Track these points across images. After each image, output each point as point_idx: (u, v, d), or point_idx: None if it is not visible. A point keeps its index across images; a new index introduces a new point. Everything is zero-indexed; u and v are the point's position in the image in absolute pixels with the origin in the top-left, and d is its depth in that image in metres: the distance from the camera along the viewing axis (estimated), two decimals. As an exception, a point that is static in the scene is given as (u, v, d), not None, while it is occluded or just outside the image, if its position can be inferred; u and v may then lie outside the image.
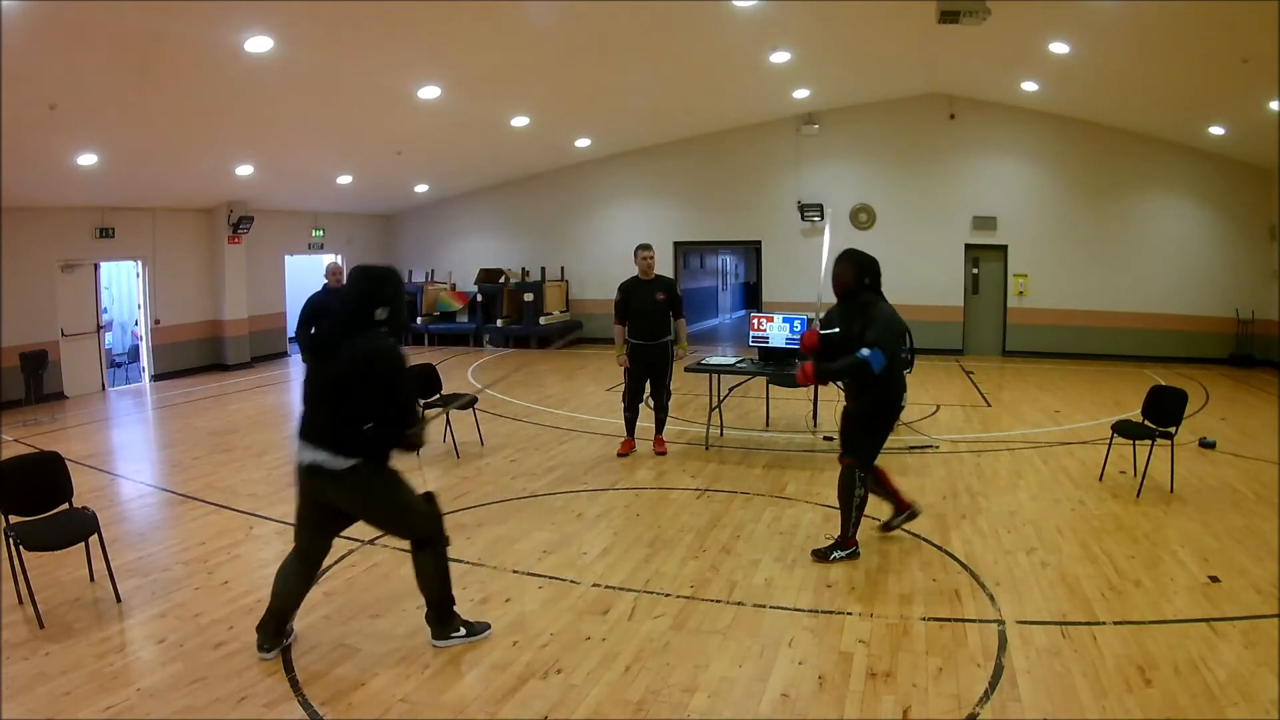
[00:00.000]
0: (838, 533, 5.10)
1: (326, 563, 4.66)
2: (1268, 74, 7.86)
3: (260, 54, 6.97)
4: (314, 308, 7.37)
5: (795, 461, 7.03)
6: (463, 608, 4.15)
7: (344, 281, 6.71)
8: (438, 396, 7.46)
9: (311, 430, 3.50)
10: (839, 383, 5.20)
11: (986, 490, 6.16)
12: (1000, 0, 7.33)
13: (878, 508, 5.11)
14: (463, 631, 3.81)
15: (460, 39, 7.90)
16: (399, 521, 3.70)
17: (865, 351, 4.39)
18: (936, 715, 3.17)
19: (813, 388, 8.41)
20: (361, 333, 3.47)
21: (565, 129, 13.02)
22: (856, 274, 4.62)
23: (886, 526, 5.13)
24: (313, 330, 7.15)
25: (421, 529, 3.67)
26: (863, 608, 4.13)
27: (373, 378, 3.40)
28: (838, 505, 4.93)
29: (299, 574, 3.69)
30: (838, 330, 4.64)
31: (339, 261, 8.19)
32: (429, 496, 3.73)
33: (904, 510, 5.08)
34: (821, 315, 4.91)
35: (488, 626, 3.90)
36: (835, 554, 4.76)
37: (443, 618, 3.78)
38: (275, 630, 3.69)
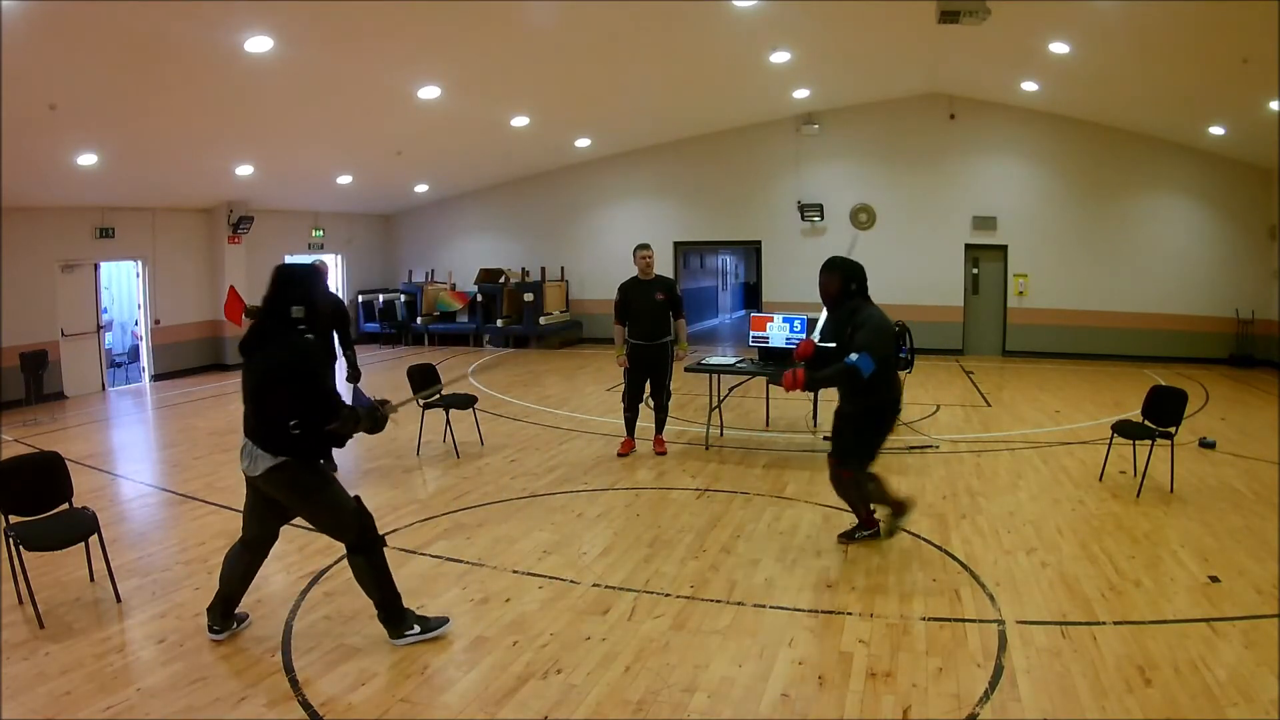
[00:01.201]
0: (837, 533, 5.12)
1: (326, 563, 4.71)
2: (1268, 74, 7.86)
3: (260, 54, 6.97)
4: None
5: (795, 461, 7.03)
6: (463, 608, 4.17)
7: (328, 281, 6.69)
8: (438, 397, 7.44)
9: (247, 428, 3.65)
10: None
11: (986, 490, 6.16)
12: (1000, 0, 7.33)
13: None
14: (416, 629, 3.82)
15: (460, 39, 7.91)
16: (327, 521, 3.75)
17: (854, 356, 4.38)
18: (936, 715, 3.17)
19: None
20: (278, 333, 3.57)
21: (565, 129, 13.02)
22: (842, 280, 4.64)
23: (846, 537, 5.02)
24: None
25: (345, 534, 3.72)
26: (863, 608, 4.13)
27: (285, 379, 3.50)
28: (842, 504, 4.95)
29: (244, 560, 3.83)
30: (834, 345, 4.63)
31: (323, 260, 7.75)
32: (358, 501, 3.76)
33: (871, 526, 5.00)
34: (815, 333, 4.93)
35: (446, 621, 3.91)
36: (859, 534, 4.98)
37: (392, 618, 3.80)
38: (223, 613, 3.84)
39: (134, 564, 4.76)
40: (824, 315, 4.87)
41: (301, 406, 3.53)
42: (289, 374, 3.50)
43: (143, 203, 11.55)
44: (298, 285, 3.62)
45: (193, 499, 6.10)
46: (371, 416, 3.67)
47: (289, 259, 14.34)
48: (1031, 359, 13.13)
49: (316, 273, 3.78)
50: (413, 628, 3.82)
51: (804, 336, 7.27)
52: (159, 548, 5.07)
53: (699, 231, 15.17)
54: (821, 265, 4.76)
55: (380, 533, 3.83)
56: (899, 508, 4.78)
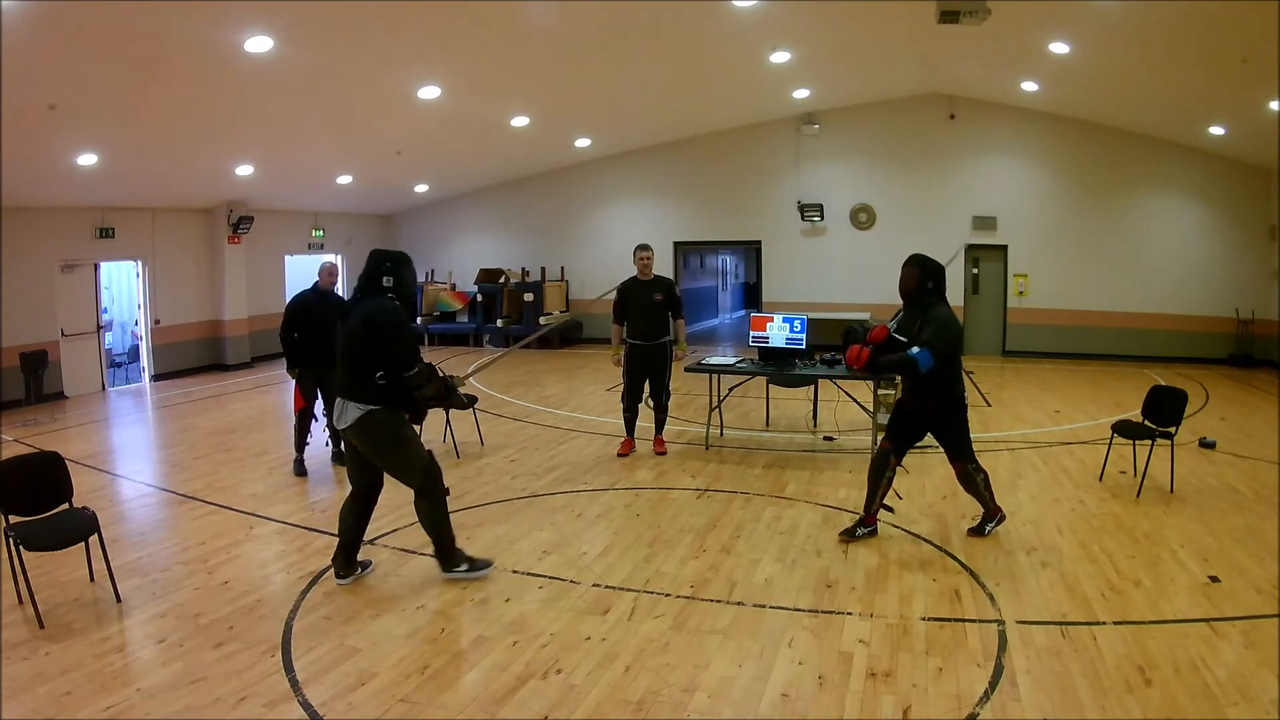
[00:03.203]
0: (836, 532, 5.13)
1: (326, 563, 4.71)
2: (1268, 74, 7.86)
3: (260, 54, 6.97)
4: (300, 309, 6.59)
5: (795, 461, 7.03)
6: (462, 607, 4.18)
7: (336, 284, 6.80)
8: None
9: (340, 386, 4.31)
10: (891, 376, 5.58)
11: (986, 490, 6.16)
12: (1000, 0, 7.33)
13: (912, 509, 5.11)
14: (464, 566, 4.43)
15: (460, 39, 7.90)
16: (399, 467, 4.30)
17: (915, 350, 4.55)
18: (936, 715, 3.17)
19: (813, 388, 8.42)
20: (369, 298, 4.25)
21: (565, 129, 13.02)
22: (920, 277, 4.80)
23: (847, 534, 5.08)
24: (296, 335, 6.53)
25: (417, 481, 4.26)
26: (863, 608, 4.13)
27: (377, 331, 4.13)
28: (843, 504, 4.96)
29: (354, 511, 4.43)
30: (904, 339, 4.74)
31: (336, 262, 7.59)
32: (431, 455, 4.33)
33: (870, 525, 5.10)
34: (892, 321, 5.03)
35: (490, 564, 4.54)
36: (860, 531, 5.07)
37: (444, 555, 4.41)
38: (345, 561, 4.47)
39: (134, 564, 4.76)
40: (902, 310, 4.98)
41: (387, 359, 4.14)
42: (376, 329, 4.13)
43: (143, 203, 11.55)
44: (388, 260, 4.36)
45: (193, 499, 6.10)
46: (445, 383, 4.34)
47: (288, 259, 14.38)
48: (1031, 359, 13.13)
49: (406, 256, 4.50)
50: (461, 565, 4.42)
51: (803, 336, 7.29)
52: (159, 548, 5.07)
53: (699, 231, 15.17)
54: (905, 260, 4.90)
55: (446, 487, 4.39)
56: (870, 520, 5.09)
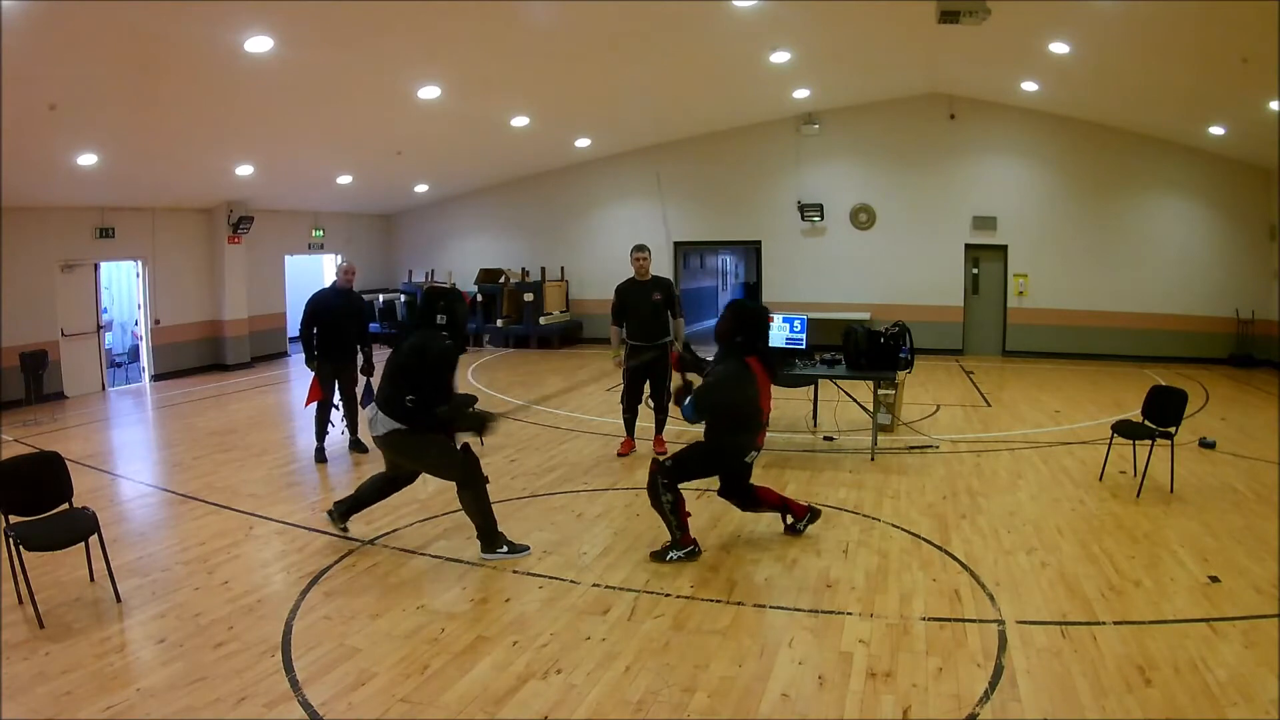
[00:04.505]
0: (835, 532, 5.13)
1: (326, 563, 4.71)
2: (1268, 74, 7.86)
3: (260, 54, 6.97)
4: (319, 306, 7.10)
5: (795, 461, 7.03)
6: (462, 607, 4.18)
7: (353, 283, 7.32)
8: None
9: (377, 399, 4.73)
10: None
11: (986, 490, 6.16)
12: (1000, 0, 7.33)
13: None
14: (505, 549, 4.76)
15: (460, 39, 7.90)
16: (434, 469, 4.83)
17: (688, 400, 4.66)
18: (936, 715, 3.17)
19: (813, 388, 8.42)
20: (424, 330, 4.71)
21: (565, 129, 13.02)
22: (731, 328, 4.81)
23: (792, 530, 5.17)
24: (315, 331, 7.01)
25: (456, 475, 4.70)
26: (863, 608, 4.13)
27: (420, 363, 4.55)
28: (842, 504, 4.94)
29: (380, 482, 4.98)
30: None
31: (352, 262, 7.85)
32: (466, 448, 4.78)
33: (803, 515, 5.15)
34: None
35: (527, 549, 4.84)
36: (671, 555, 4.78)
37: (486, 539, 4.76)
38: (347, 509, 5.03)
39: (134, 564, 4.76)
40: None
41: (422, 389, 4.53)
42: (420, 360, 4.54)
43: (143, 203, 11.54)
44: (443, 298, 4.79)
45: (193, 499, 6.10)
46: (479, 417, 4.71)
47: (288, 259, 14.38)
48: (1031, 359, 13.13)
49: (459, 294, 4.99)
50: (502, 547, 4.76)
51: (804, 336, 7.29)
52: (159, 548, 5.07)
53: (699, 231, 15.17)
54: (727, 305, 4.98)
55: (484, 475, 4.79)
56: (800, 512, 5.16)
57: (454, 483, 4.75)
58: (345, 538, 5.09)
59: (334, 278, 7.43)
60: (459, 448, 4.75)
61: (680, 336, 7.24)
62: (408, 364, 4.56)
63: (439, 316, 4.73)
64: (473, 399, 4.95)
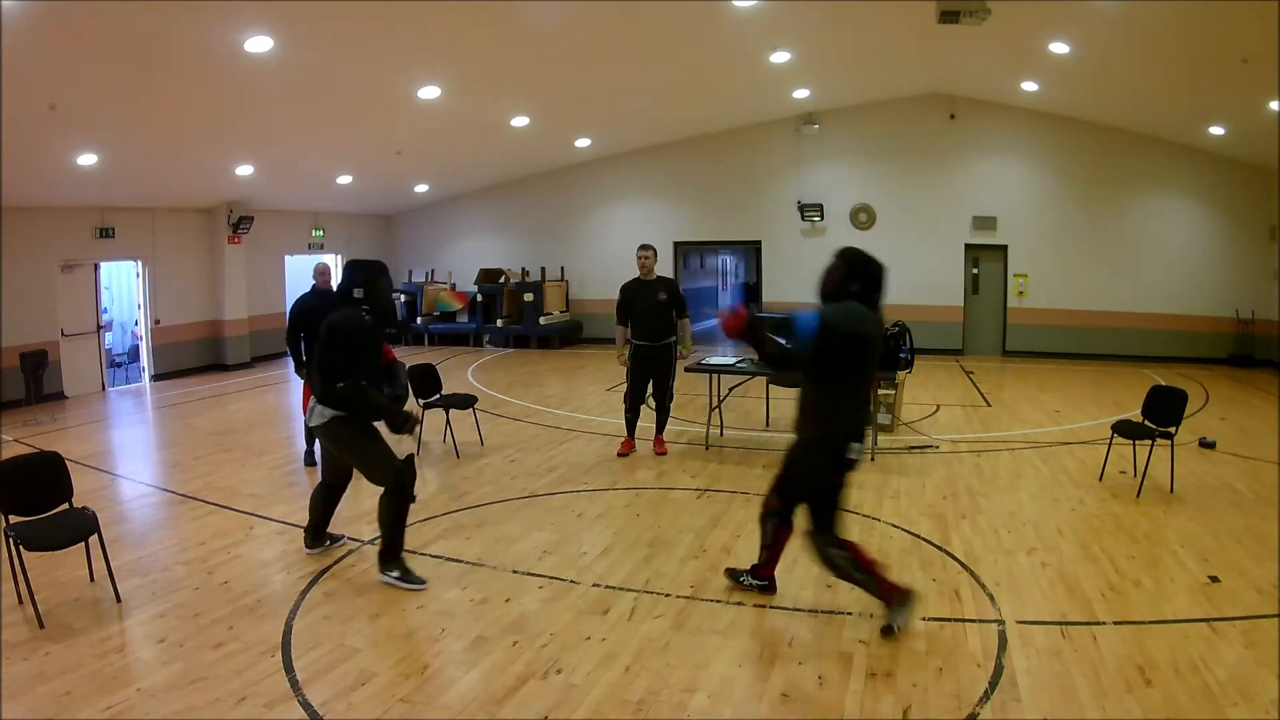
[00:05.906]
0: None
1: (326, 562, 4.73)
2: (1268, 74, 7.86)
3: (260, 54, 6.97)
4: (301, 312, 6.78)
5: (795, 461, 7.02)
6: (463, 607, 4.18)
7: (331, 282, 6.92)
8: (438, 397, 7.47)
9: (311, 387, 4.47)
10: None
11: (986, 490, 6.16)
12: (1000, 0, 7.33)
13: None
14: (396, 574, 4.42)
15: (460, 39, 7.90)
16: (365, 467, 4.44)
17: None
18: (936, 715, 3.17)
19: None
20: (344, 307, 4.36)
21: (565, 129, 13.02)
22: (844, 274, 3.80)
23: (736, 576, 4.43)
24: (302, 336, 6.71)
25: (382, 480, 4.38)
26: (862, 608, 4.12)
27: (337, 343, 4.22)
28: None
29: (323, 497, 4.79)
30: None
31: (327, 262, 7.72)
32: (410, 459, 4.50)
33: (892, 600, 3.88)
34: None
35: (424, 583, 4.42)
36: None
37: (386, 556, 4.45)
38: (313, 536, 4.88)
39: (134, 564, 4.76)
40: None
41: (347, 370, 4.19)
42: (339, 337, 4.21)
43: (143, 203, 11.54)
44: (360, 271, 4.45)
45: (193, 499, 6.10)
46: (402, 414, 4.39)
47: (288, 259, 14.38)
48: (1031, 359, 13.12)
49: (381, 267, 4.57)
50: (395, 571, 4.42)
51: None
52: (159, 548, 5.07)
53: (699, 231, 15.17)
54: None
55: (414, 494, 4.52)
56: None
57: (379, 486, 4.43)
58: (345, 539, 5.09)
59: (312, 280, 7.13)
60: (403, 458, 4.46)
61: (686, 336, 7.24)
62: (325, 342, 4.23)
63: (355, 291, 4.38)
64: (404, 387, 4.83)
